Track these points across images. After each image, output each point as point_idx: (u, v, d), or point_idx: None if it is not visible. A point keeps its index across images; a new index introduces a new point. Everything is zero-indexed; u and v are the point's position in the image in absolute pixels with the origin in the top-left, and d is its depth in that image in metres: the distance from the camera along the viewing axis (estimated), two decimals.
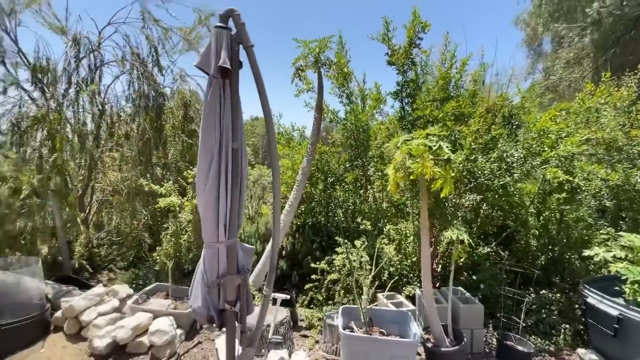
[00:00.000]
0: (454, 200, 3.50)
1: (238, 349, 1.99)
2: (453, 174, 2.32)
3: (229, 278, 1.94)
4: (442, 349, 2.69)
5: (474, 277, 3.81)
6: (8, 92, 4.40)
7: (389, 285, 3.51)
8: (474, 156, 3.00)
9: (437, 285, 3.89)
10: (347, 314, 2.93)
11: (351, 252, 3.83)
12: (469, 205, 3.71)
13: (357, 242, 3.69)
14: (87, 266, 4.35)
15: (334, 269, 3.88)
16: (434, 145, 2.27)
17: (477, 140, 3.21)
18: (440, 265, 4.04)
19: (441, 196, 2.39)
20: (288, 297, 2.87)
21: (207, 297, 1.96)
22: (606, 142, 3.65)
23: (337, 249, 4.07)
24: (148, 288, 3.54)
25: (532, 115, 3.73)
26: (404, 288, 3.76)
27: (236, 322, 2.00)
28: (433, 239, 3.80)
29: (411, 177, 2.38)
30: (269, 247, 3.48)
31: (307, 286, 4.00)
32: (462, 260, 3.83)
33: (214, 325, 2.00)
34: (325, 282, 3.90)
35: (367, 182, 5.04)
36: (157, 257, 3.63)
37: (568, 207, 3.83)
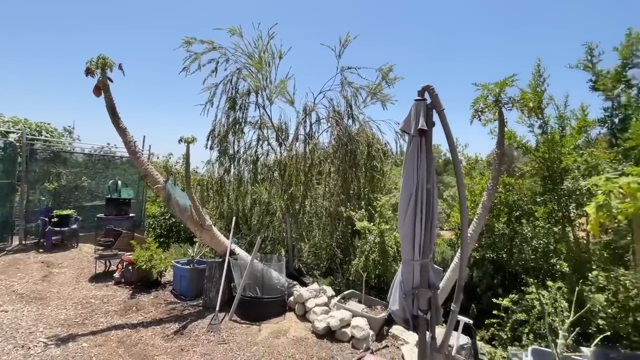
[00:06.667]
0: None
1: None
2: None
3: (421, 290, 2.46)
4: None
5: None
6: (263, 146, 6.80)
7: (596, 340, 3.04)
8: None
9: None
10: (539, 357, 2.81)
11: (542, 294, 3.58)
12: None
13: (551, 284, 3.43)
14: (301, 268, 5.90)
15: (520, 308, 3.71)
16: None
17: None
18: None
19: None
20: (470, 321, 3.07)
21: (404, 303, 2.54)
22: None
23: (523, 289, 3.86)
24: (345, 293, 4.52)
25: None
26: (623, 351, 3.13)
27: (427, 330, 2.47)
28: None
29: (619, 218, 2.21)
30: (448, 273, 3.76)
31: (487, 321, 3.95)
32: None
33: (409, 327, 2.54)
34: (510, 321, 3.75)
35: (564, 219, 4.46)
36: (353, 269, 4.59)
37: None
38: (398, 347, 3.64)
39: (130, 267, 5.40)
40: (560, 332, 2.84)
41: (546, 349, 2.85)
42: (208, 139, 6.16)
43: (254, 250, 4.39)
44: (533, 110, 4.03)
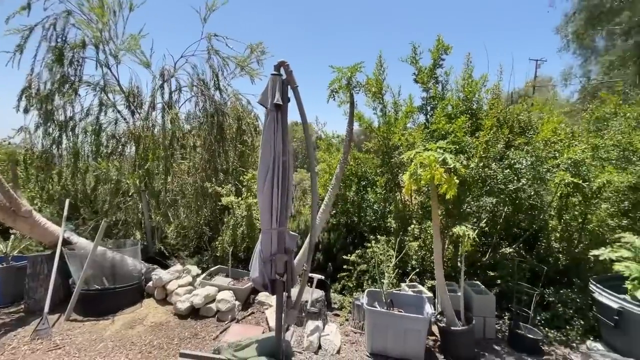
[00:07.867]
0: (471, 202, 3.92)
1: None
2: (457, 180, 2.82)
3: (278, 256, 2.65)
4: (453, 327, 3.17)
5: (493, 274, 4.17)
6: (108, 114, 5.69)
7: (410, 276, 4.02)
8: (482, 163, 3.43)
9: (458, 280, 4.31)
10: (372, 296, 3.51)
11: (377, 246, 4.41)
12: (487, 207, 4.09)
13: (381, 238, 4.26)
14: (164, 251, 5.41)
15: (363, 261, 4.49)
16: (440, 156, 2.79)
17: (488, 149, 3.62)
18: (461, 263, 4.44)
19: (447, 198, 2.89)
20: (323, 277, 3.54)
21: (263, 270, 2.69)
22: (622, 146, 3.81)
23: (366, 244, 4.67)
24: (212, 269, 4.44)
25: (550, 123, 4.04)
26: (427, 281, 4.26)
27: (284, 290, 2.71)
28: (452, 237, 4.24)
29: (422, 183, 2.92)
30: (307, 239, 4.17)
31: (339, 275, 4.63)
32: (481, 258, 4.21)
33: (268, 291, 2.72)
34: (356, 272, 4.51)
35: (395, 186, 5.55)
36: (219, 245, 4.51)
37: (590, 209, 4.04)
38: (263, 312, 3.88)
39: None
40: (386, 274, 3.62)
41: (377, 290, 3.59)
42: (21, 99, 4.71)
43: (97, 237, 3.75)
44: (375, 95, 4.76)
